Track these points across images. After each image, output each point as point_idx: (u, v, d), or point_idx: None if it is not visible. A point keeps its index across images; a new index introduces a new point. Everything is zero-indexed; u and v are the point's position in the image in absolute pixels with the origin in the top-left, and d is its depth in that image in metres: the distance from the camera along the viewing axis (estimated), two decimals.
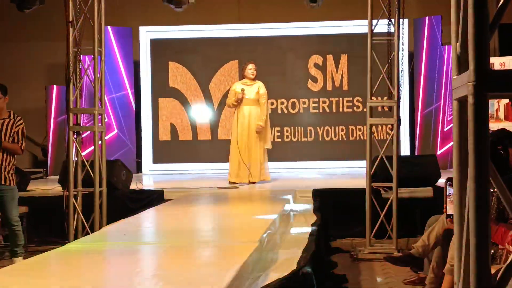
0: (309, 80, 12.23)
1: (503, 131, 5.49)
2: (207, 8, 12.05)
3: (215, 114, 12.32)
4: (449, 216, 4.89)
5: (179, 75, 12.36)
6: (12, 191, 6.89)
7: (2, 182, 6.79)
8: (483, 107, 1.94)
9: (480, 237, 1.94)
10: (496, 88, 1.97)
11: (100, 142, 7.51)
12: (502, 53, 10.87)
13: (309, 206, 7.54)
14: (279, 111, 12.19)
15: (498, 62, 10.16)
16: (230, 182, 9.42)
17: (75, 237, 7.08)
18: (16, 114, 6.92)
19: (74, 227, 7.23)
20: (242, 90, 9.36)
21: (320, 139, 12.19)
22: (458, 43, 2.24)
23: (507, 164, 4.67)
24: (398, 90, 7.28)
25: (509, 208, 2.04)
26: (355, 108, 12.15)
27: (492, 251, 3.86)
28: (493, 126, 9.30)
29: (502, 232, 3.37)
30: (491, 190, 2.12)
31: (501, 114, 10.15)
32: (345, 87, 12.18)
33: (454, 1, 2.27)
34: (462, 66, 2.21)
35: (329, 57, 12.21)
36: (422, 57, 11.63)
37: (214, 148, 12.05)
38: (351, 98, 12.15)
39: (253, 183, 9.32)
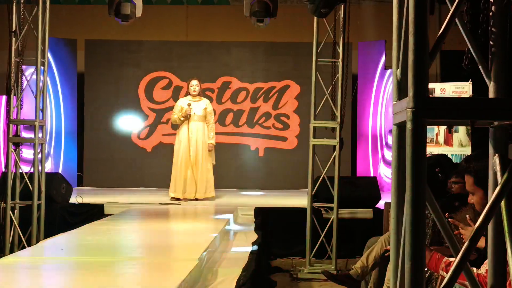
0: (254, 99, 12.27)
1: (443, 156, 5.61)
2: (155, 23, 12.00)
3: (158, 130, 12.22)
4: (387, 251, 4.89)
5: (123, 90, 12.25)
6: None
7: None
8: (421, 133, 1.98)
9: (415, 260, 1.97)
10: (435, 115, 2.01)
11: (40, 154, 7.38)
12: (443, 79, 11.08)
13: (250, 225, 7.54)
14: (223, 130, 12.18)
15: (439, 88, 10.35)
16: (172, 198, 9.34)
17: (11, 251, 6.93)
18: None
19: (10, 240, 7.07)
20: (189, 105, 9.28)
21: (264, 158, 12.22)
22: (399, 70, 2.28)
23: (443, 188, 4.77)
24: (341, 112, 7.38)
25: (444, 232, 2.08)
26: (299, 128, 12.22)
27: (428, 274, 3.91)
28: (433, 150, 9.47)
29: (436, 259, 3.43)
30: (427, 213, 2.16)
31: (441, 138, 10.33)
32: (290, 107, 12.25)
33: (395, 28, 2.31)
34: (402, 92, 2.25)
35: (275, 77, 12.28)
36: (366, 80, 11.80)
37: (156, 164, 11.94)
38: (295, 118, 12.23)
39: (197, 199, 9.26)
